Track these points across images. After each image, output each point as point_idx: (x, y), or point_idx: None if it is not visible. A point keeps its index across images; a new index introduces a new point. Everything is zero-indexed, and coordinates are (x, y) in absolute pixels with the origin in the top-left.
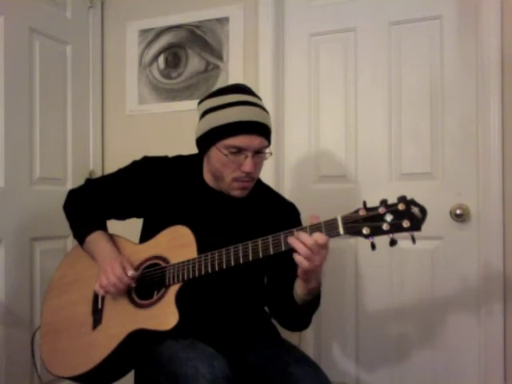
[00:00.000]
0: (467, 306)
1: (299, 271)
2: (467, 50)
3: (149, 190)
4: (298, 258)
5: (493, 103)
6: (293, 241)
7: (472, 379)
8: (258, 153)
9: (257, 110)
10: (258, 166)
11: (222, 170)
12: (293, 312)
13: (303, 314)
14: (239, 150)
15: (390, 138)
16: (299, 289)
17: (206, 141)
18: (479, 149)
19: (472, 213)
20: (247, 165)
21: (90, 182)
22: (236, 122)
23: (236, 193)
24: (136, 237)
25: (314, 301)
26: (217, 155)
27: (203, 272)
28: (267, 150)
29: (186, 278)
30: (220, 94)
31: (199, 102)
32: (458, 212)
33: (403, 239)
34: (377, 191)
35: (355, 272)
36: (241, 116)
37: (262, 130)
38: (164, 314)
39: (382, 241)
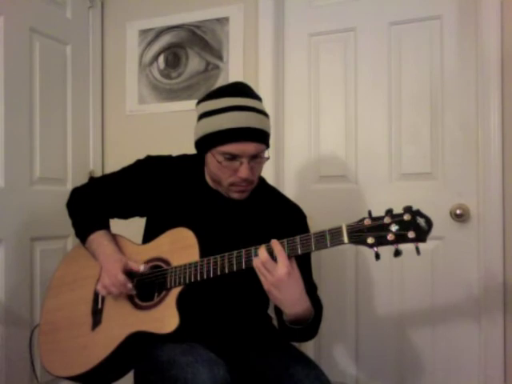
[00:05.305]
0: (467, 306)
1: None
2: (467, 50)
3: (151, 189)
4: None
5: (493, 103)
6: (261, 249)
7: (472, 379)
8: (255, 157)
9: (251, 114)
10: (255, 169)
11: (219, 174)
12: (282, 329)
13: (290, 334)
14: (234, 157)
15: (390, 138)
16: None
17: (202, 146)
18: (479, 149)
19: (472, 213)
20: (243, 171)
21: (94, 181)
22: (228, 129)
23: (235, 195)
24: (138, 237)
25: (300, 330)
26: (212, 161)
27: (205, 276)
28: (266, 153)
29: (187, 281)
30: (215, 97)
31: (197, 103)
32: (458, 212)
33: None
34: (377, 191)
35: (355, 272)
36: (234, 123)
37: (256, 135)
38: (165, 317)
39: (385, 248)
